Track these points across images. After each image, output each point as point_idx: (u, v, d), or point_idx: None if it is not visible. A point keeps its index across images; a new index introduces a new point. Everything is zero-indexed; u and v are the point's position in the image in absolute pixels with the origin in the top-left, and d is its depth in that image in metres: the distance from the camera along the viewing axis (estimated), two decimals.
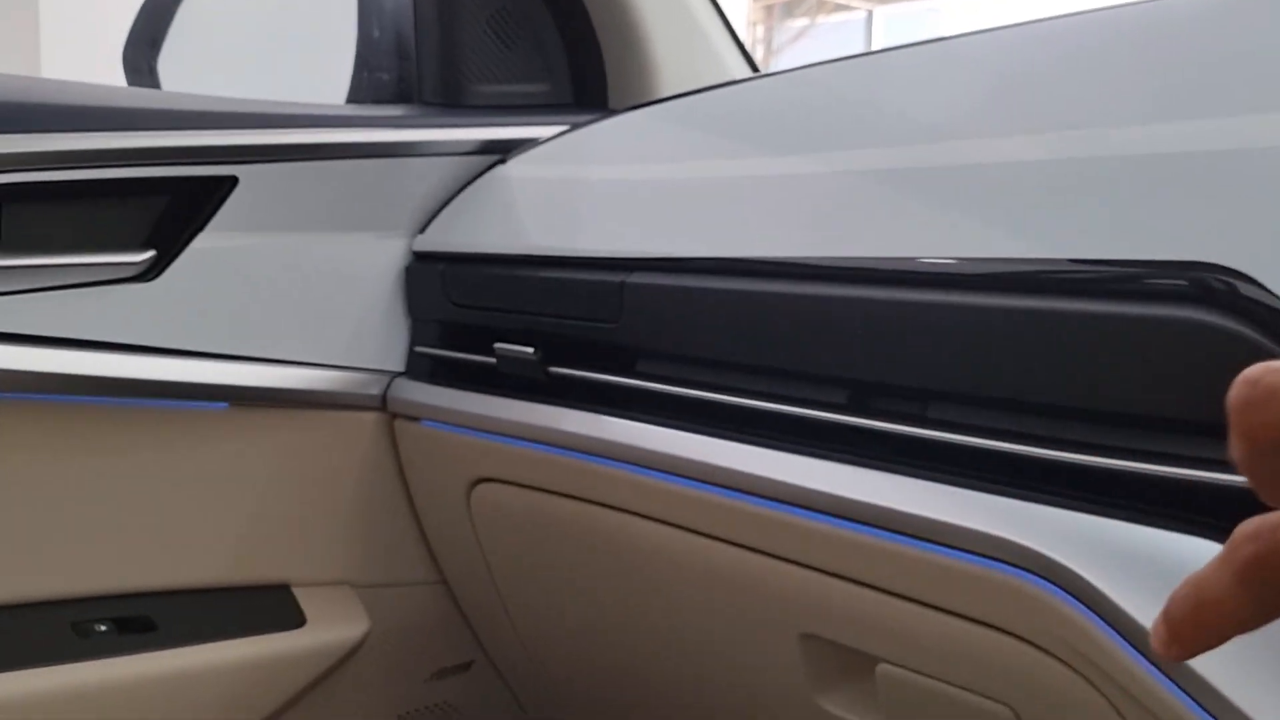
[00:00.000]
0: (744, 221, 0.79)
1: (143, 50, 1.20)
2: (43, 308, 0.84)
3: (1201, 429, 0.55)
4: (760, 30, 8.61)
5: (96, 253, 0.86)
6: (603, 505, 0.86)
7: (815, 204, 0.75)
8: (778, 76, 0.98)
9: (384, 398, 1.01)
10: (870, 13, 8.78)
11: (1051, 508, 0.60)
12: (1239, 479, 0.53)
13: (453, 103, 1.05)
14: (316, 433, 0.99)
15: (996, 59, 0.73)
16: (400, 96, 1.08)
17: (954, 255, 0.65)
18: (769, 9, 8.63)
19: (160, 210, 0.88)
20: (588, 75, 1.07)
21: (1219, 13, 0.61)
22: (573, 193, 0.94)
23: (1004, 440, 0.63)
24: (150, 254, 0.88)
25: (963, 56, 0.75)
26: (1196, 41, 0.61)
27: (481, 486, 0.97)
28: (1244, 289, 0.52)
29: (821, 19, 8.76)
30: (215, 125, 0.89)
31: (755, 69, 1.11)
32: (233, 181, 0.89)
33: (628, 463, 0.82)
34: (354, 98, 1.07)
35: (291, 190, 0.93)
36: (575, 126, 1.00)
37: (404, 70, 1.08)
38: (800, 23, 8.80)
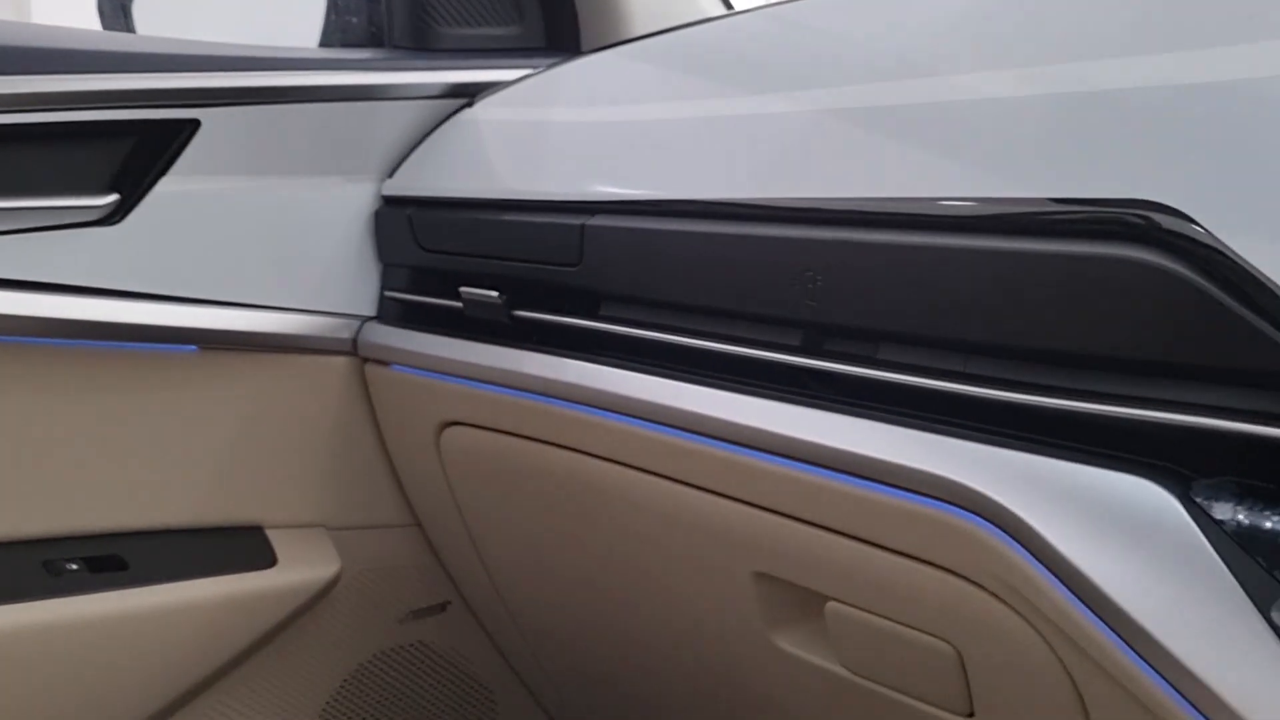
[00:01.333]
0: (704, 163, 0.78)
1: None
2: (7, 251, 0.85)
3: (1137, 367, 0.55)
4: None
5: (59, 196, 0.86)
6: (564, 448, 0.87)
7: (773, 144, 0.74)
8: (748, 14, 0.97)
9: (355, 342, 1.01)
10: None
11: (990, 446, 0.60)
12: (1175, 417, 0.53)
13: (422, 46, 1.05)
14: (287, 376, 1.00)
15: None
16: (371, 40, 1.08)
17: (901, 195, 0.64)
18: None
19: (123, 153, 0.88)
20: (559, 17, 1.06)
21: None
22: (538, 135, 0.93)
23: (945, 379, 0.63)
24: (114, 197, 0.88)
25: None
26: None
27: (450, 430, 0.98)
28: (1180, 227, 0.52)
29: None
30: (176, 67, 0.89)
31: (729, 6, 1.09)
32: (195, 125, 0.89)
33: (587, 405, 0.83)
34: (325, 41, 1.07)
35: (256, 134, 0.93)
36: (543, 68, 0.99)
37: (374, 13, 1.07)
38: None
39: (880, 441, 0.64)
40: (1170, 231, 0.52)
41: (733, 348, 0.74)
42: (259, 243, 0.95)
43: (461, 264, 0.95)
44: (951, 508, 0.61)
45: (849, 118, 0.70)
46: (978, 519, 0.59)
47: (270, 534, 1.02)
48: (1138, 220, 0.54)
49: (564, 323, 0.86)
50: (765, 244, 0.71)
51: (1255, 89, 0.52)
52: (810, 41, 0.80)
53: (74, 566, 0.92)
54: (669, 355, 0.78)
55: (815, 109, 0.73)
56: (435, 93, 0.99)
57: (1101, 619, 0.54)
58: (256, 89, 0.92)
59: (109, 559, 0.94)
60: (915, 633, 0.68)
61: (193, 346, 0.94)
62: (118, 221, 0.88)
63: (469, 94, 1.00)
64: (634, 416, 0.79)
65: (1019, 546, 0.58)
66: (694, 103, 0.83)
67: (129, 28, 1.21)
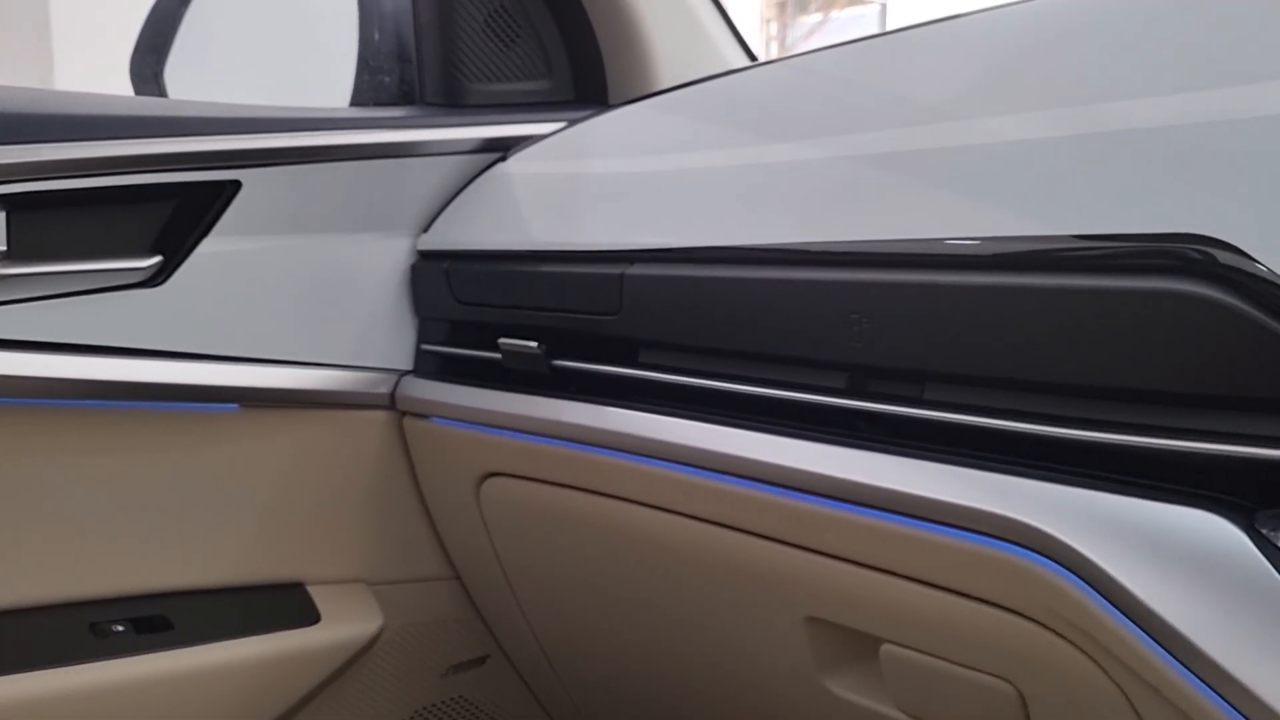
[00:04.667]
0: (740, 210, 0.79)
1: (148, 59, 1.22)
2: (54, 315, 0.86)
3: (1191, 400, 0.55)
4: (774, 27, 8.60)
5: (104, 259, 0.87)
6: (608, 496, 0.87)
7: (810, 190, 0.75)
8: (774, 64, 0.98)
9: (393, 396, 1.02)
10: (884, 4, 8.76)
11: (1046, 483, 0.60)
12: (1236, 449, 0.53)
13: (454, 102, 1.06)
14: (327, 432, 1.00)
15: (985, 40, 0.73)
16: (403, 98, 1.09)
17: (943, 236, 0.65)
18: (781, 6, 8.62)
19: (166, 216, 0.90)
20: (587, 70, 1.07)
21: None
22: (572, 187, 0.95)
23: (998, 418, 0.63)
24: (157, 259, 0.89)
25: (951, 39, 0.76)
26: (1179, 16, 0.62)
27: (490, 481, 0.98)
28: (1226, 258, 0.52)
29: (835, 13, 8.75)
30: (216, 130, 0.90)
31: (753, 58, 1.11)
32: (236, 186, 0.91)
33: (631, 453, 0.83)
34: (357, 100, 1.08)
35: (295, 193, 0.94)
36: (574, 122, 1.00)
37: (405, 72, 1.09)
38: (814, 18, 8.78)
39: (937, 482, 0.64)
40: (1220, 264, 0.53)
41: (778, 392, 0.74)
42: (298, 300, 0.96)
43: (499, 316, 0.95)
44: (1014, 547, 0.60)
45: (885, 162, 0.71)
46: (1041, 558, 0.59)
47: (312, 590, 1.02)
48: (1186, 254, 0.54)
49: (604, 371, 0.87)
50: (808, 288, 0.72)
51: None
52: (839, 89, 0.81)
53: (120, 628, 0.92)
54: (713, 401, 0.79)
55: (849, 154, 0.73)
56: (468, 148, 1.01)
57: (1173, 655, 0.54)
58: (295, 149, 0.93)
59: (154, 619, 0.94)
60: (975, 673, 0.68)
61: (234, 405, 0.95)
62: (161, 283, 0.90)
63: (502, 148, 1.01)
64: (679, 463, 0.79)
65: (1084, 585, 0.57)
66: (727, 151, 0.84)
67: (161, 93, 1.23)
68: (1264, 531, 0.53)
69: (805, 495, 0.71)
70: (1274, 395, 0.52)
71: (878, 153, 0.72)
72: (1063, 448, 0.60)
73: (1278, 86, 0.54)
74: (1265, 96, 0.55)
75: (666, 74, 1.05)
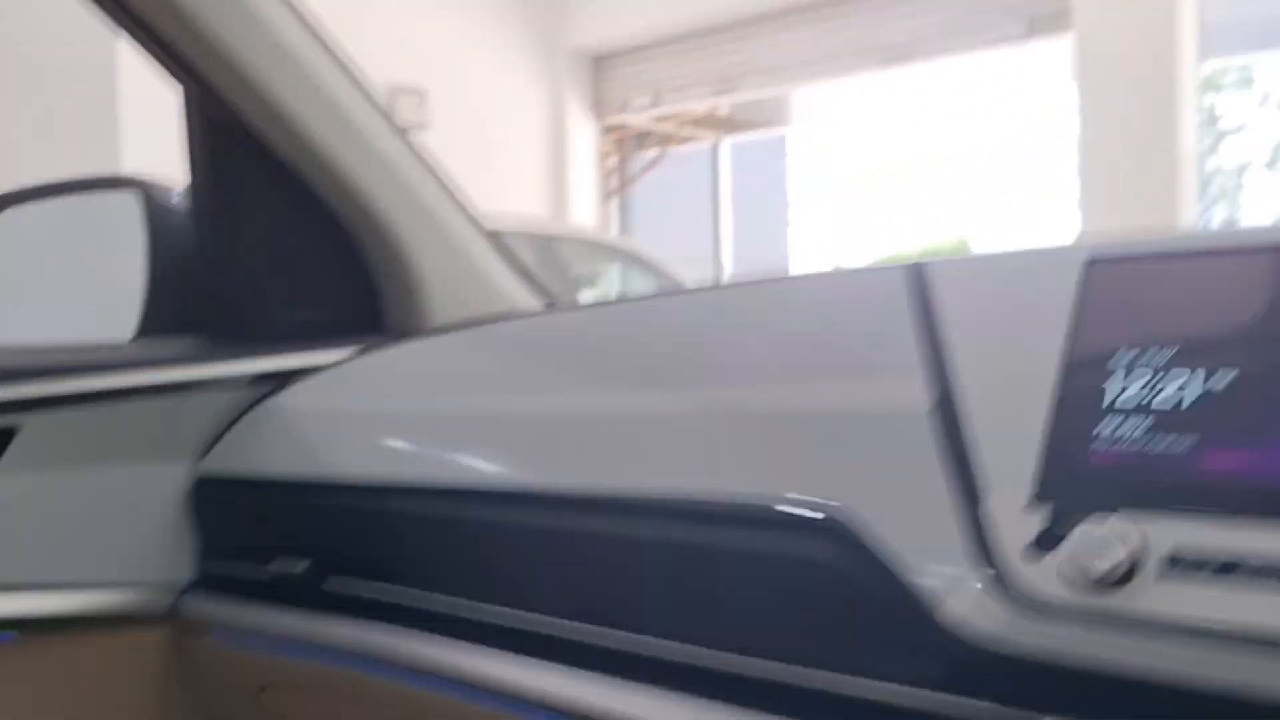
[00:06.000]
0: (477, 451, 0.90)
1: None
2: None
3: (835, 643, 0.67)
4: (614, 160, 8.94)
5: None
6: (376, 707, 0.94)
7: (537, 440, 0.87)
8: (543, 316, 1.10)
9: (173, 613, 1.07)
10: (716, 144, 9.23)
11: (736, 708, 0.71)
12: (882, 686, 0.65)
13: (235, 335, 1.14)
14: (109, 651, 1.04)
15: (686, 322, 0.86)
16: (187, 328, 1.16)
17: (639, 490, 0.77)
18: (619, 142, 8.98)
19: None
20: (363, 304, 1.16)
21: (845, 292, 0.77)
22: (337, 423, 1.04)
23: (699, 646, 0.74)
24: None
25: (668, 316, 0.89)
26: (835, 314, 0.76)
27: (270, 692, 1.04)
28: (851, 525, 0.65)
29: (672, 149, 9.15)
30: None
31: (548, 298, 1.20)
32: (12, 431, 0.96)
33: (394, 670, 0.91)
34: (142, 331, 1.15)
35: (73, 432, 1.00)
36: (350, 356, 1.09)
37: (190, 303, 1.16)
38: (651, 153, 9.17)
39: (641, 702, 0.74)
40: (845, 531, 0.66)
41: (513, 614, 0.84)
42: (78, 528, 1.02)
43: (273, 537, 1.03)
44: None
45: (600, 421, 0.83)
46: None
47: None
48: (817, 520, 0.67)
49: (368, 594, 0.95)
50: (527, 527, 0.83)
51: (886, 416, 0.66)
52: (573, 347, 0.93)
53: None
54: (461, 623, 0.88)
55: (570, 411, 0.85)
56: (245, 382, 1.08)
57: None
58: (73, 395, 0.99)
59: None
60: None
61: (9, 634, 0.99)
62: None
63: (278, 379, 1.09)
64: (439, 679, 0.88)
65: None
66: (474, 396, 0.95)
67: None
68: None
69: (548, 714, 0.81)
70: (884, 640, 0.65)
71: (596, 411, 0.84)
72: (743, 679, 0.71)
73: (885, 382, 0.68)
74: (880, 390, 0.69)
75: (443, 312, 1.13)
